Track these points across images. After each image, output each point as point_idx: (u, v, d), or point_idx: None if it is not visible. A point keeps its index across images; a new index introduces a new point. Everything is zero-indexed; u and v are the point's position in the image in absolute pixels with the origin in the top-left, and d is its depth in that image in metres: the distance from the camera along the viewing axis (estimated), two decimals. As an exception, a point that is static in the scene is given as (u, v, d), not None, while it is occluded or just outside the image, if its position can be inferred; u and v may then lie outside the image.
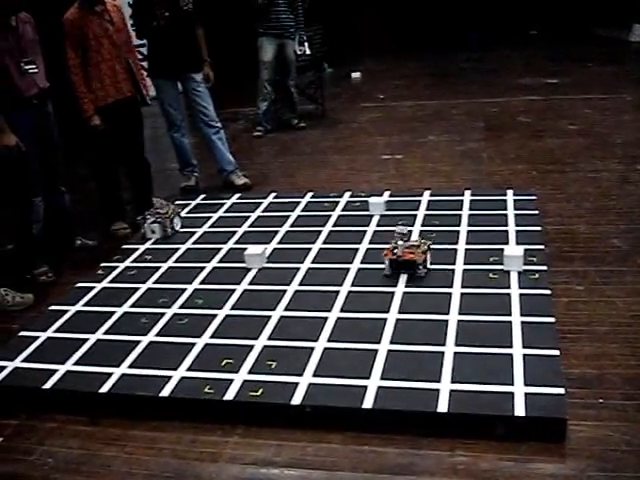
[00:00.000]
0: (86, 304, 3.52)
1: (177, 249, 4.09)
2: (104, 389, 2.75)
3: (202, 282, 3.62)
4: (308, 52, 6.87)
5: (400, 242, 3.39)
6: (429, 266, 3.44)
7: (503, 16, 10.62)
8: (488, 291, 3.20)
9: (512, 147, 5.64)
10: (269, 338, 2.99)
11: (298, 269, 3.63)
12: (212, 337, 3.06)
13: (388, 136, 6.39)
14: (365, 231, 4.04)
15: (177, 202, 4.97)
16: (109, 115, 4.34)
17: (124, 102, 4.44)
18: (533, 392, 2.45)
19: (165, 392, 2.69)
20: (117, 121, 4.40)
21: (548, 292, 3.15)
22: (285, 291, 3.40)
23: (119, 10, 4.49)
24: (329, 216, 4.33)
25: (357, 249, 3.79)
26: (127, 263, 3.95)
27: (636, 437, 2.33)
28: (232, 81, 7.09)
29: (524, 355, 2.67)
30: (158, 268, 3.85)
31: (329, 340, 2.92)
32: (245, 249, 3.78)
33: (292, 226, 4.26)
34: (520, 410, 2.37)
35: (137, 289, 3.61)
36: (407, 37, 10.56)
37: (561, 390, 2.46)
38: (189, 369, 2.82)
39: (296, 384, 2.64)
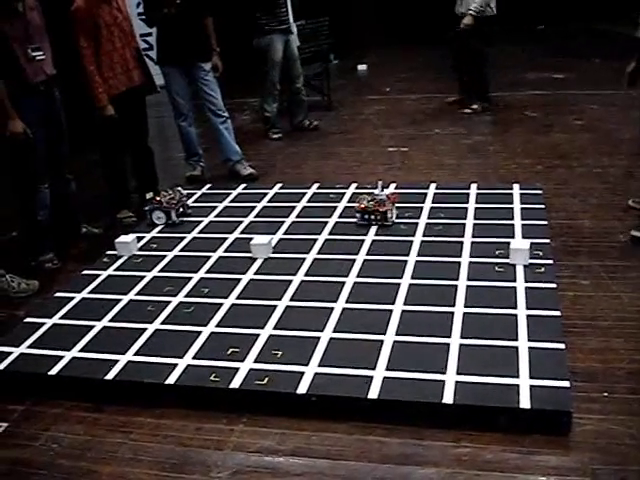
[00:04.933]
0: (92, 291, 3.53)
1: (183, 238, 4.09)
2: (110, 376, 2.77)
3: (208, 271, 3.63)
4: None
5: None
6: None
7: (510, 11, 10.57)
8: (494, 284, 3.21)
9: (518, 141, 5.62)
10: (275, 327, 3.00)
11: (304, 259, 3.63)
12: (218, 326, 3.06)
13: (394, 128, 6.37)
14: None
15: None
16: (119, 103, 4.34)
17: (133, 90, 4.45)
18: (538, 385, 2.46)
19: (171, 380, 2.70)
20: (126, 109, 4.40)
21: (554, 286, 3.15)
22: (291, 281, 3.40)
23: None
24: (335, 207, 4.33)
25: (363, 240, 3.79)
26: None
27: (640, 431, 2.34)
28: (240, 71, 7.06)
29: (529, 348, 2.68)
30: (164, 257, 3.85)
31: (335, 330, 2.93)
32: (251, 239, 3.78)
33: (298, 217, 4.26)
34: (525, 402, 2.38)
35: (143, 277, 3.62)
36: (414, 30, 10.50)
37: (566, 383, 2.46)
38: (195, 357, 2.83)
39: (302, 373, 2.65)
